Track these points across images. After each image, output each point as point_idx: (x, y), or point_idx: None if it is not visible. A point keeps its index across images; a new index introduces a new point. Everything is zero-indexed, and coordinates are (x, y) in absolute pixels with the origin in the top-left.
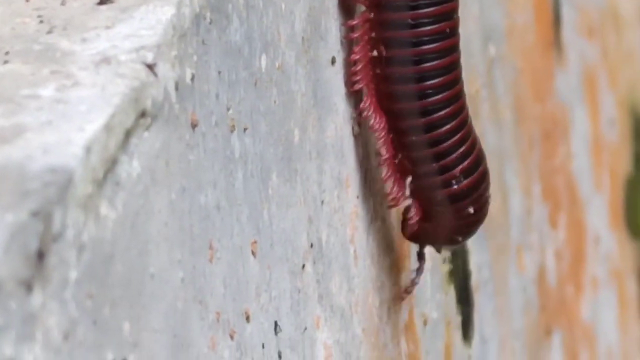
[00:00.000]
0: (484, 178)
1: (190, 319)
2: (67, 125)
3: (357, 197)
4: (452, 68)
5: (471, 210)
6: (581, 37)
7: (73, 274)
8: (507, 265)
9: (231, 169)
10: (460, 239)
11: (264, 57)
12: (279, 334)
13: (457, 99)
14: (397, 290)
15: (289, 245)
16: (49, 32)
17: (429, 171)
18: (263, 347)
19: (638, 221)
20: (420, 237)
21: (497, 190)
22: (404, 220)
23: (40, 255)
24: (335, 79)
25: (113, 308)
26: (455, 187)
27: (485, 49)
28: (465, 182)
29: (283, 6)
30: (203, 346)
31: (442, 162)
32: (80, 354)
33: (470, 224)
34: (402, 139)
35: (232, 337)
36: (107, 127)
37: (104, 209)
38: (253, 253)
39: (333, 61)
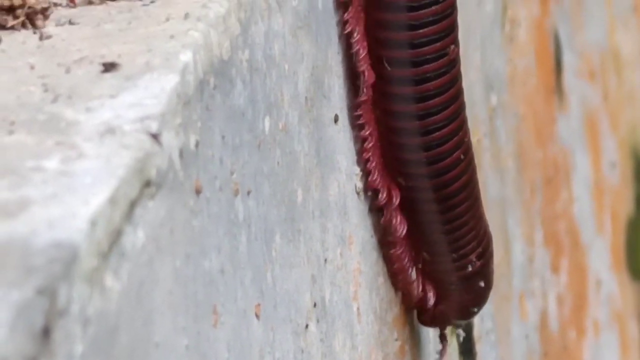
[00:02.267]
0: (492, 254)
1: None
2: (72, 199)
3: (360, 254)
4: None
5: (482, 284)
6: (582, 80)
7: (79, 348)
8: (510, 314)
9: (235, 233)
10: (475, 310)
11: (267, 119)
12: None
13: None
14: (400, 345)
15: (292, 305)
16: (54, 101)
17: (445, 260)
18: None
19: (639, 263)
20: (438, 320)
21: (500, 240)
22: (421, 310)
23: (46, 332)
24: (337, 136)
25: None
26: (470, 269)
27: (487, 97)
28: (479, 263)
29: (286, 67)
30: None
31: (460, 252)
32: None
33: (482, 294)
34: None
35: None
36: (112, 200)
37: (109, 281)
38: (257, 316)
39: (336, 119)
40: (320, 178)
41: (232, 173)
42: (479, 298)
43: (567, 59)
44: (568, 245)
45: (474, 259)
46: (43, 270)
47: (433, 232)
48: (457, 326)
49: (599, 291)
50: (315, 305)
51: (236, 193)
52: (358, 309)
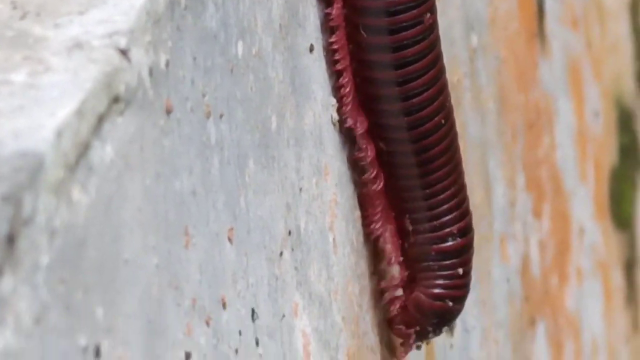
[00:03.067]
0: (473, 239)
1: (165, 305)
2: (39, 111)
3: (336, 185)
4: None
5: (460, 271)
6: (565, 27)
7: (45, 259)
8: (491, 256)
9: (207, 155)
10: (450, 303)
11: (240, 43)
12: (256, 321)
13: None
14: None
15: (266, 232)
16: (22, 17)
17: (424, 228)
18: (240, 334)
19: (623, 213)
20: (411, 316)
21: (481, 181)
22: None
23: (11, 240)
24: (313, 66)
25: (86, 293)
26: (450, 244)
27: (467, 37)
28: (460, 241)
29: None
30: (178, 332)
31: (440, 219)
32: (52, 339)
33: (460, 286)
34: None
35: (208, 324)
36: (79, 112)
37: (77, 194)
38: (230, 240)
39: (311, 49)
40: (295, 106)
41: (203, 95)
42: (456, 289)
43: (550, 5)
44: (550, 191)
45: (455, 232)
46: (8, 179)
47: (412, 192)
48: (431, 334)
49: (582, 239)
50: (290, 233)
51: (208, 115)
52: (334, 239)
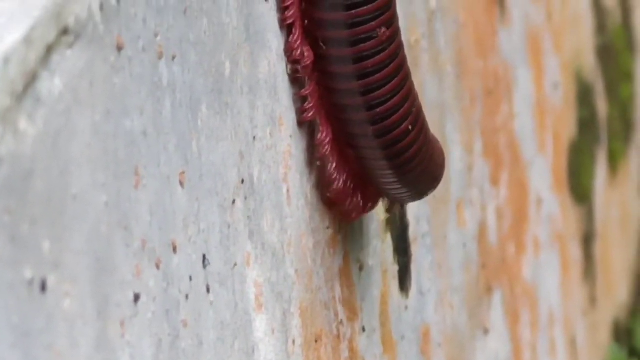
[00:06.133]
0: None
1: (114, 244)
2: None
3: (291, 137)
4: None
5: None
6: None
7: None
8: (447, 220)
9: (159, 97)
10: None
11: None
12: (207, 268)
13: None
14: (332, 234)
15: (219, 179)
16: None
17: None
18: (191, 279)
19: (581, 186)
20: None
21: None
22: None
23: None
24: (269, 15)
25: (32, 225)
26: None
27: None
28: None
29: None
30: (127, 273)
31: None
32: None
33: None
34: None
35: (158, 267)
36: (27, 40)
37: (23, 124)
38: (181, 183)
39: None
40: (249, 54)
41: (156, 35)
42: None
43: None
44: (508, 160)
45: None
46: None
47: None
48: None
49: (539, 210)
50: (242, 181)
51: (160, 56)
52: (288, 191)
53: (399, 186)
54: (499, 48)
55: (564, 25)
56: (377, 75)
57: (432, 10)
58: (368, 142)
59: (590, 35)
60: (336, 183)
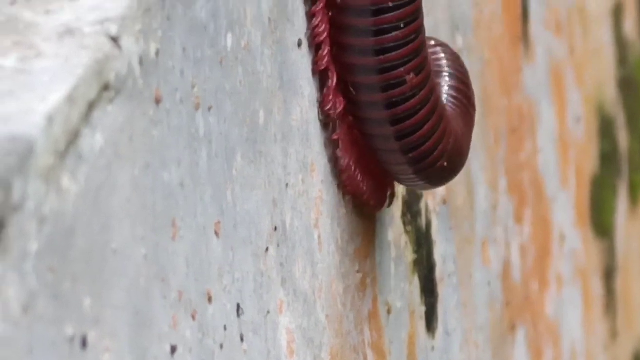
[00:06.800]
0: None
1: (152, 296)
2: (29, 96)
3: (322, 182)
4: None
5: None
6: (549, 32)
7: (34, 246)
8: (472, 259)
9: (195, 148)
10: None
11: (229, 35)
12: (241, 317)
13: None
14: (361, 278)
15: (252, 227)
16: (13, 3)
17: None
18: (225, 329)
19: (603, 220)
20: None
21: (463, 182)
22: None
23: (0, 226)
24: (301, 62)
25: (74, 283)
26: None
27: (452, 38)
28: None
29: None
30: (164, 325)
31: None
32: (39, 328)
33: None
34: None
35: (193, 318)
36: (70, 98)
37: (66, 182)
38: (216, 233)
39: (299, 44)
40: (283, 102)
41: (193, 87)
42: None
43: (534, 8)
44: (532, 197)
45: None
46: None
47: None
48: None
49: (562, 245)
50: (276, 229)
51: (197, 107)
52: (319, 237)
53: (420, 182)
54: (523, 84)
55: (586, 58)
56: (409, 122)
57: (459, 49)
58: (398, 162)
59: (612, 67)
60: (349, 172)
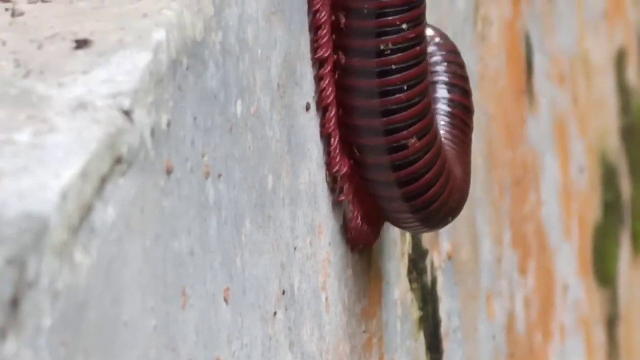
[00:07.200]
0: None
1: None
2: (43, 171)
3: (329, 244)
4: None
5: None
6: (552, 83)
7: (47, 321)
8: (477, 313)
9: (205, 216)
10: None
11: (239, 102)
12: None
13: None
14: (368, 337)
15: (261, 291)
16: (25, 76)
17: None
18: None
19: (606, 270)
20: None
21: (468, 237)
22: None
23: (15, 303)
24: (309, 125)
25: (86, 356)
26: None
27: None
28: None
29: (259, 52)
30: None
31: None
32: None
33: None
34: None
35: None
36: (83, 174)
37: (79, 256)
38: (225, 300)
39: (307, 107)
40: (291, 165)
41: (203, 155)
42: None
43: (538, 61)
44: (535, 248)
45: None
46: (13, 241)
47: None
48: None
49: (565, 296)
50: (284, 292)
51: (207, 175)
52: (327, 299)
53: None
54: (527, 136)
55: (589, 108)
56: (415, 185)
57: None
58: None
59: (614, 116)
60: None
